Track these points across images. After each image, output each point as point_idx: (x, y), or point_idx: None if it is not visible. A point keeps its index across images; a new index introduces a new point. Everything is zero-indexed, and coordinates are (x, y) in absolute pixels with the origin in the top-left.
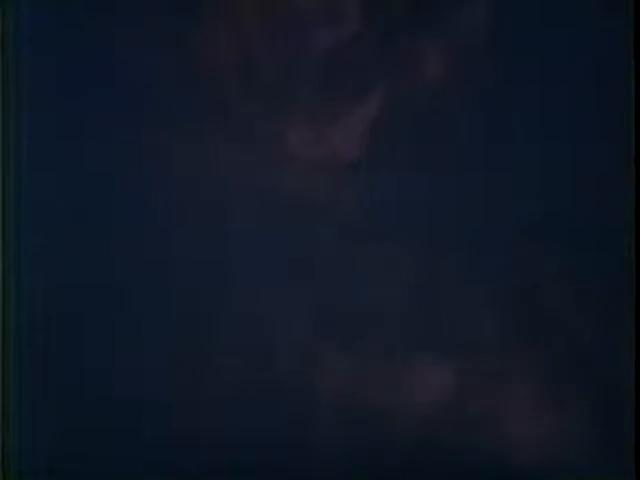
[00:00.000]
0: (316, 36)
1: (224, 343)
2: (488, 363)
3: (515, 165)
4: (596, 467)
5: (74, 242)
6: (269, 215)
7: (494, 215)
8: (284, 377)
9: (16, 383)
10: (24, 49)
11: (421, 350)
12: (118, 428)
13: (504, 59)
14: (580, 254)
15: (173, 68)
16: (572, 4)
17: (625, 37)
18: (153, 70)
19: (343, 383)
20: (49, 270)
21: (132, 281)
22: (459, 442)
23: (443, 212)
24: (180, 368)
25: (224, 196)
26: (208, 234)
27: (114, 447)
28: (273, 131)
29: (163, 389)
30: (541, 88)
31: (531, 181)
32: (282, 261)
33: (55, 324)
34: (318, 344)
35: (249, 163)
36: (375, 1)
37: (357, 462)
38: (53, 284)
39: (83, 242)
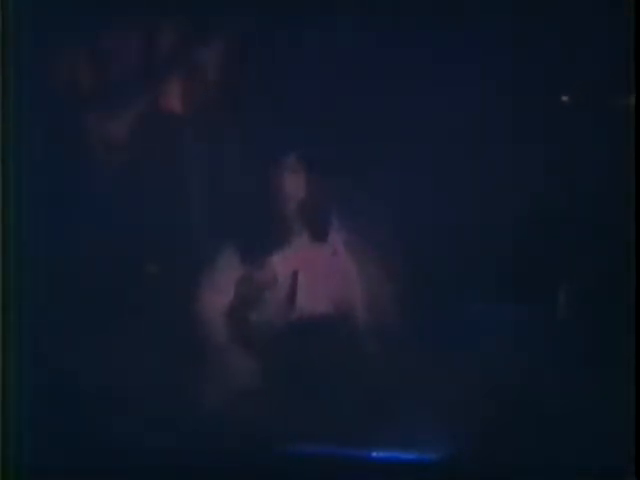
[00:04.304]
0: None
1: (221, 341)
2: (485, 360)
3: (517, 164)
4: (596, 467)
5: (74, 243)
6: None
7: (495, 213)
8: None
9: (16, 383)
10: (24, 48)
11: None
12: (117, 427)
13: (505, 60)
14: (580, 255)
15: (169, 68)
16: (572, 5)
17: (625, 37)
18: (152, 69)
19: None
20: (50, 271)
21: (132, 283)
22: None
23: (444, 210)
24: (180, 368)
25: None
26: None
27: (113, 446)
28: None
29: (164, 389)
30: (543, 89)
31: (532, 181)
32: None
33: (55, 325)
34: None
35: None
36: None
37: None
38: (54, 285)
39: (83, 243)
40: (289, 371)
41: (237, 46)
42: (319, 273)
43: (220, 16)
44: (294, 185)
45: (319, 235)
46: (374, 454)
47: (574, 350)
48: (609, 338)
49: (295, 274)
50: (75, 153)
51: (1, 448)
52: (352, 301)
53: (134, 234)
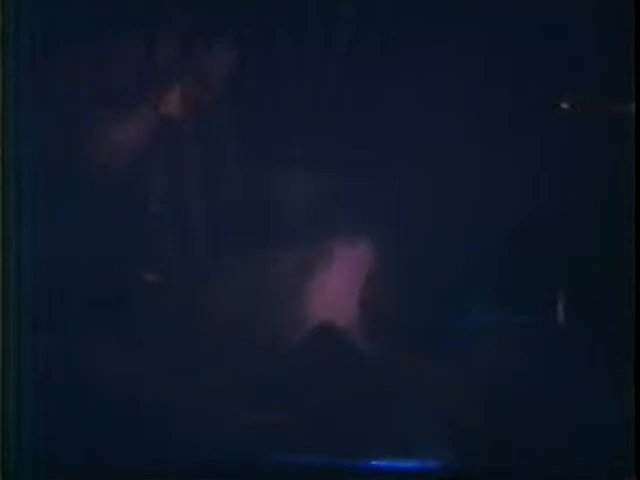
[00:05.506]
0: None
1: (224, 342)
2: (481, 363)
3: (514, 163)
4: (596, 467)
5: (75, 243)
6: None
7: (492, 212)
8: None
9: (16, 383)
10: (24, 48)
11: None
12: (117, 428)
13: (502, 58)
14: (580, 258)
15: (168, 67)
16: (572, 6)
17: (625, 38)
18: (153, 70)
19: None
20: (50, 268)
21: (133, 282)
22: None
23: (441, 210)
24: (180, 368)
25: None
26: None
27: (113, 447)
28: None
29: (163, 389)
30: (542, 88)
31: (531, 180)
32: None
33: (55, 325)
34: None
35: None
36: None
37: None
38: (54, 283)
39: (84, 243)
40: (286, 377)
41: (240, 48)
42: (321, 276)
43: (222, 17)
44: (298, 188)
45: (324, 238)
46: (373, 462)
47: (574, 350)
48: (609, 338)
49: (300, 277)
50: (76, 154)
51: (1, 448)
52: (353, 306)
53: (136, 235)
